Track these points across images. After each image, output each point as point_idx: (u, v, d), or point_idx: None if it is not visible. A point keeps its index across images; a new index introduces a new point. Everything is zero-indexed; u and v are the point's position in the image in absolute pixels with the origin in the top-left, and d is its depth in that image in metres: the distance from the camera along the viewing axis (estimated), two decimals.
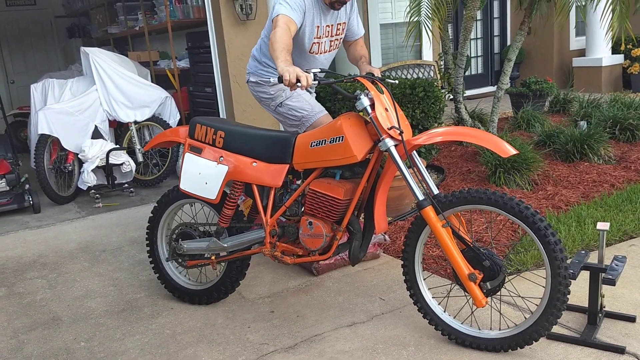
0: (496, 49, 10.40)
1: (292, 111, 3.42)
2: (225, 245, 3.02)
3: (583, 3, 5.38)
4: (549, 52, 10.02)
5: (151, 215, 3.33)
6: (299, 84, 2.60)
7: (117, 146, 5.72)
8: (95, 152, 5.48)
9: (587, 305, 2.72)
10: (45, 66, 10.32)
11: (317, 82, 2.66)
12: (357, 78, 2.77)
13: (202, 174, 2.99)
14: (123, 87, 5.73)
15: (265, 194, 2.94)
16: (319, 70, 2.77)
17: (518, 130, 6.45)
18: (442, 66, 6.96)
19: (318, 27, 3.25)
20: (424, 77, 6.97)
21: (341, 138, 2.63)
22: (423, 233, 2.65)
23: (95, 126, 5.66)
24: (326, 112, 3.45)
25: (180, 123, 6.27)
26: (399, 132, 2.56)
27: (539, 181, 4.77)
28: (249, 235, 3.01)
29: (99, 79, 5.68)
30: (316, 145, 2.72)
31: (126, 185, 5.76)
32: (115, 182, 5.71)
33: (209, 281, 3.27)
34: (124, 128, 5.97)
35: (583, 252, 2.81)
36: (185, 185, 3.06)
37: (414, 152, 2.65)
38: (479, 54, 10.26)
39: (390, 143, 2.57)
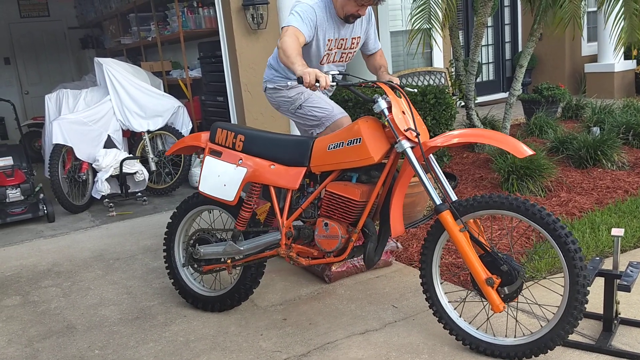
0: (507, 56, 10.37)
1: (312, 111, 3.42)
2: (242, 248, 3.04)
3: (587, 10, 5.38)
4: (561, 58, 9.97)
5: (170, 221, 3.36)
6: (317, 84, 2.62)
7: (131, 155, 5.77)
8: (109, 161, 5.53)
9: (602, 312, 2.70)
10: (59, 77, 10.45)
11: (335, 83, 2.69)
12: (377, 83, 2.79)
13: (221, 176, 3.03)
14: (136, 97, 5.78)
15: (282, 197, 2.97)
16: (338, 72, 2.80)
17: (530, 137, 6.42)
18: (453, 73, 6.96)
19: (330, 40, 3.27)
20: (434, 84, 6.96)
21: (359, 140, 2.66)
22: (442, 237, 2.65)
23: (109, 136, 5.72)
24: (346, 114, 3.46)
25: (192, 132, 6.31)
26: (415, 134, 2.57)
27: (552, 187, 4.74)
28: (265, 238, 3.03)
29: (112, 89, 5.74)
30: (334, 147, 2.75)
31: (139, 194, 5.80)
32: (129, 191, 5.76)
33: (223, 288, 3.29)
34: (137, 137, 6.03)
35: (597, 258, 2.79)
36: (204, 187, 3.09)
37: (431, 155, 2.66)
38: (490, 60, 10.23)
39: (406, 145, 2.59)
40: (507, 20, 10.28)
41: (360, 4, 3.11)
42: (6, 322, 3.38)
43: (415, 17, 5.38)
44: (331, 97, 4.84)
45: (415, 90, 3.34)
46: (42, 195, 5.50)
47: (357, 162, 2.69)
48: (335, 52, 3.37)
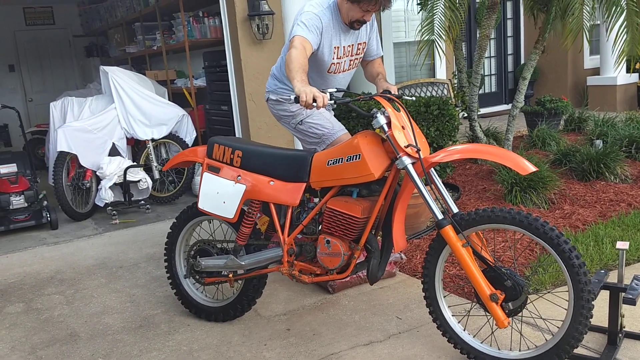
0: (510, 68, 10.41)
1: (312, 129, 3.42)
2: (243, 263, 3.03)
3: (591, 23, 5.39)
4: (563, 70, 10.01)
5: (170, 231, 3.35)
6: (314, 104, 2.62)
7: (135, 163, 5.78)
8: (112, 169, 5.54)
9: (606, 326, 2.70)
10: (63, 85, 10.50)
11: (333, 101, 2.68)
12: (374, 97, 2.79)
13: (220, 193, 3.02)
14: (141, 105, 5.81)
15: (283, 213, 2.94)
16: (335, 89, 2.79)
17: (533, 149, 6.43)
18: (456, 84, 6.99)
19: (337, 47, 3.26)
20: (437, 96, 6.98)
21: (358, 156, 2.63)
22: (444, 251, 2.64)
23: (113, 143, 5.73)
24: (346, 130, 3.46)
25: (196, 141, 6.33)
26: (416, 149, 2.57)
27: (556, 200, 4.75)
28: (267, 253, 3.02)
29: (117, 97, 5.76)
30: (333, 163, 2.72)
31: (142, 202, 5.81)
32: (132, 199, 5.76)
33: (226, 299, 3.28)
34: (141, 145, 6.04)
35: (602, 271, 2.79)
36: (203, 204, 3.08)
37: (432, 169, 2.66)
38: (493, 72, 10.27)
39: (407, 161, 2.58)
40: (509, 32, 10.33)
41: (365, 9, 3.09)
42: (9, 329, 3.38)
43: (424, 29, 5.39)
44: (335, 109, 4.86)
45: (413, 97, 3.33)
46: (45, 203, 5.50)
47: (357, 179, 2.65)
48: (345, 61, 3.36)
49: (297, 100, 2.65)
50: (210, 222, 3.36)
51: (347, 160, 2.67)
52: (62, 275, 4.19)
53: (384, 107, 2.65)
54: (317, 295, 3.51)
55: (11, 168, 5.54)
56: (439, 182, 2.67)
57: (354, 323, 3.13)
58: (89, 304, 3.65)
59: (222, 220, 3.15)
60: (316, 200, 2.92)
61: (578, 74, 10.08)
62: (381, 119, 2.61)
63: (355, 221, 2.69)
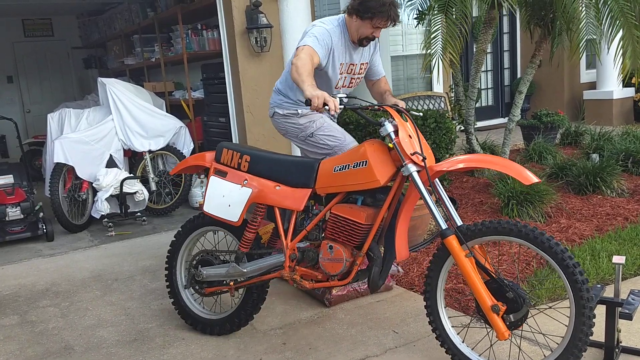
0: (506, 82, 10.46)
1: (324, 140, 3.43)
2: (245, 270, 3.03)
3: (594, 37, 5.43)
4: (560, 84, 10.06)
5: (173, 239, 3.35)
6: (326, 108, 2.65)
7: (131, 175, 5.77)
8: (109, 180, 5.53)
9: (603, 341, 2.69)
10: (61, 96, 10.50)
11: (343, 106, 2.71)
12: (383, 106, 2.81)
13: (226, 196, 3.03)
14: (138, 117, 5.82)
15: (287, 218, 2.96)
16: (345, 95, 2.82)
17: (530, 162, 6.44)
18: (453, 98, 7.02)
19: (342, 64, 3.31)
20: (434, 109, 7.01)
21: (365, 163, 2.67)
22: (447, 261, 2.64)
23: (110, 155, 5.73)
24: (357, 142, 3.47)
25: (193, 152, 6.33)
26: (421, 158, 2.59)
27: (552, 214, 4.75)
28: (269, 260, 3.02)
29: (115, 109, 5.77)
30: (339, 169, 2.76)
31: (139, 213, 5.78)
32: (128, 210, 5.74)
33: (224, 312, 3.26)
34: (139, 157, 6.04)
35: (599, 286, 2.78)
36: (208, 207, 3.09)
37: (437, 180, 2.67)
38: (489, 86, 10.32)
39: (412, 168, 2.60)
40: (506, 46, 10.39)
41: (376, 26, 3.15)
42: (4, 342, 3.35)
43: (428, 44, 5.42)
44: (339, 115, 4.83)
45: (420, 113, 3.36)
46: (41, 214, 5.48)
47: (363, 185, 2.69)
48: (345, 77, 3.40)
49: (307, 103, 2.68)
50: (215, 234, 3.35)
51: (353, 167, 2.71)
52: (57, 287, 4.17)
53: (392, 117, 2.69)
54: (313, 308, 3.50)
55: (8, 179, 5.53)
56: (443, 192, 2.69)
57: (350, 337, 3.12)
58: (83, 316, 3.63)
59: (226, 227, 3.16)
60: (321, 207, 2.94)
61: (574, 88, 10.12)
62: (389, 127, 2.66)
63: (358, 227, 2.71)
